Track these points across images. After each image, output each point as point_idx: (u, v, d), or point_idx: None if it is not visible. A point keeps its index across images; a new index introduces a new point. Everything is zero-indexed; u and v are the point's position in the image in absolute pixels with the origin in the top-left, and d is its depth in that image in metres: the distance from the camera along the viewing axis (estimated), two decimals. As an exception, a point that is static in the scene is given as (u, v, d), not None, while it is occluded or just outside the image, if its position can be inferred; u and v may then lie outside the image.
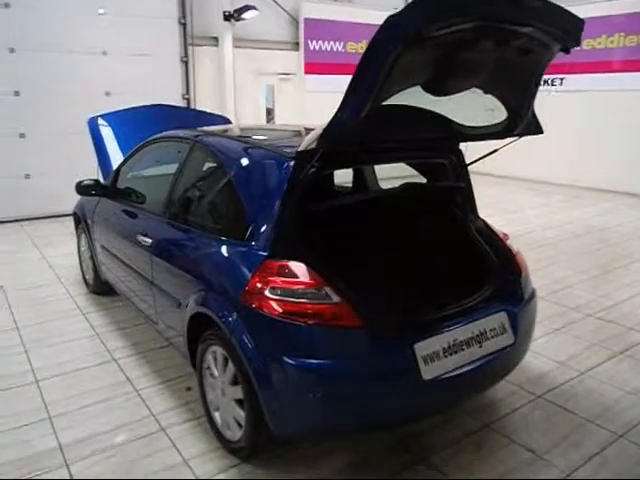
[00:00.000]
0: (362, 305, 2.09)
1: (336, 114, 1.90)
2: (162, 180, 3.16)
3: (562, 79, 9.55)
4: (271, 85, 8.91)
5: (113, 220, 3.59)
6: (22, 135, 6.90)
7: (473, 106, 2.48)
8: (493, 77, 2.21)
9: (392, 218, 2.91)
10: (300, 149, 2.17)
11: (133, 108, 4.61)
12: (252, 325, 2.12)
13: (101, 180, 4.19)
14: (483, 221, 2.86)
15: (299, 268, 2.11)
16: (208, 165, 2.84)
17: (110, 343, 3.50)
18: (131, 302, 3.50)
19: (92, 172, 6.89)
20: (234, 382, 2.27)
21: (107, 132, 4.37)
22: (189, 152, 2.87)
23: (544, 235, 6.19)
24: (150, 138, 3.42)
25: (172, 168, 3.06)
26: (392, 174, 3.63)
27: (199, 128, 3.27)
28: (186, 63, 7.79)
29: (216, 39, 8.10)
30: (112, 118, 4.49)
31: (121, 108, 4.62)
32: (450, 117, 2.42)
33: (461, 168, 2.82)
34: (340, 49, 9.30)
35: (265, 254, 2.17)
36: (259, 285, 2.11)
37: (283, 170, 2.23)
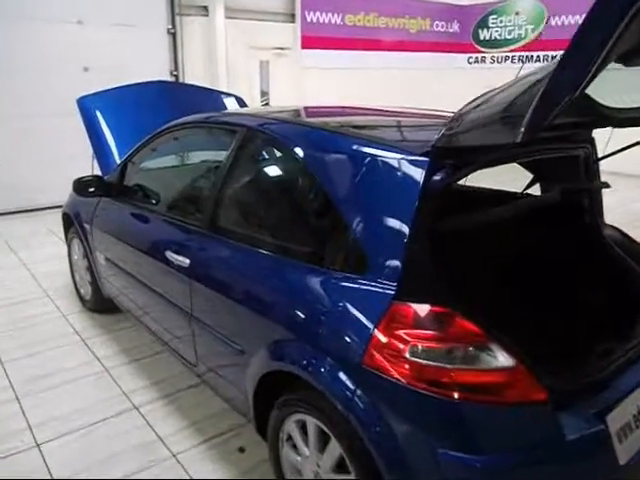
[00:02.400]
0: (540, 367, 1.46)
1: (549, 86, 1.22)
2: (197, 180, 2.45)
3: None
4: (265, 61, 8.10)
5: (124, 227, 2.85)
6: (-15, 117, 5.99)
7: (625, 84, 1.87)
8: None
9: (534, 234, 2.26)
10: (439, 143, 1.52)
11: (131, 86, 3.82)
12: (384, 399, 1.46)
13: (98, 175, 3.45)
14: (619, 231, 2.26)
15: (449, 315, 1.46)
16: (281, 164, 2.14)
17: (125, 382, 2.79)
18: (148, 328, 2.79)
19: (71, 161, 6.11)
20: (339, 468, 1.63)
21: (104, 115, 3.57)
22: (242, 144, 2.14)
23: None
24: (172, 124, 2.67)
25: (210, 164, 2.35)
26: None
27: (241, 110, 2.54)
28: (174, 35, 6.91)
29: (206, 8, 7.24)
30: (108, 98, 3.69)
31: (116, 86, 3.80)
32: (594, 96, 1.80)
33: (593, 162, 2.20)
34: (339, 22, 8.54)
35: (392, 293, 1.51)
36: (390, 341, 1.45)
37: (414, 173, 1.55)
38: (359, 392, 1.49)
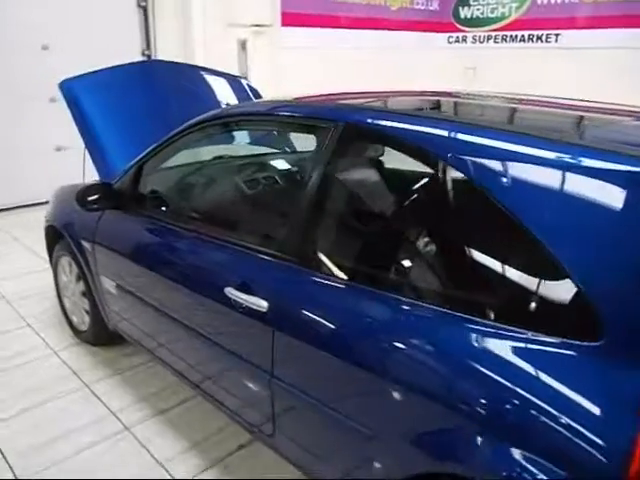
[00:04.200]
0: None
1: None
2: (265, 190, 1.86)
3: None
4: (243, 40, 7.38)
5: (147, 249, 2.23)
6: None
7: None
8: None
9: None
10: None
11: (123, 66, 3.13)
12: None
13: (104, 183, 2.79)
14: None
15: None
16: (427, 179, 1.52)
17: (158, 447, 2.19)
18: (177, 372, 2.21)
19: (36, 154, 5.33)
20: None
21: (94, 101, 2.87)
22: (341, 146, 1.57)
23: None
24: (212, 114, 2.05)
25: (280, 169, 1.77)
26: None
27: (307, 100, 1.95)
28: (144, 9, 6.10)
29: (179, -21, 6.45)
30: (96, 81, 2.98)
31: (104, 67, 3.08)
32: None
33: None
34: (320, -3, 7.91)
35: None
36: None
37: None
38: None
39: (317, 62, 7.87)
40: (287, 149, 2.47)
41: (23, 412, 2.40)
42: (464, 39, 9.90)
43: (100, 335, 2.83)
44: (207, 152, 2.39)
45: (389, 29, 9.17)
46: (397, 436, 1.33)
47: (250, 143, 2.38)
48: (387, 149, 1.54)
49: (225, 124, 2.04)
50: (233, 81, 3.66)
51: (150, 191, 2.28)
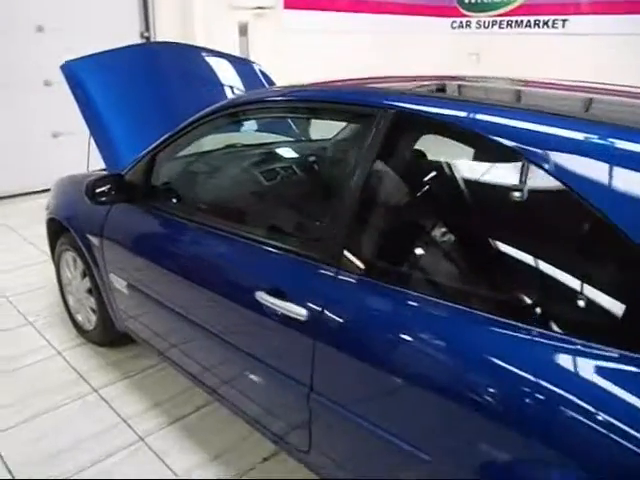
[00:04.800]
0: None
1: None
2: (296, 183, 1.68)
3: None
4: (244, 22, 7.13)
5: (164, 246, 2.05)
6: None
7: None
8: None
9: None
10: None
11: (131, 47, 2.93)
12: None
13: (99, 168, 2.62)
14: None
15: None
16: (498, 178, 1.36)
17: (175, 459, 2.03)
18: (195, 378, 2.05)
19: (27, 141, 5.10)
20: None
21: (103, 88, 2.67)
22: (391, 136, 1.39)
23: None
24: (231, 101, 1.87)
25: (314, 159, 1.59)
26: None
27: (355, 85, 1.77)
28: (143, -11, 5.86)
29: (178, -43, 6.19)
30: (101, 63, 2.77)
31: (108, 49, 2.87)
32: None
33: None
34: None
35: None
36: None
37: None
38: None
39: (319, 46, 7.67)
40: (317, 138, 2.29)
41: (28, 420, 2.23)
42: (468, 24, 9.69)
43: (107, 335, 2.66)
44: (229, 141, 2.20)
45: (392, 13, 8.95)
46: (460, 465, 1.19)
47: (274, 132, 2.20)
48: (441, 141, 1.35)
49: (249, 111, 1.86)
50: (244, 65, 3.46)
51: (166, 183, 2.10)
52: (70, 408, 2.32)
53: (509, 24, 9.12)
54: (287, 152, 2.15)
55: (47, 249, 3.03)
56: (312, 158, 1.92)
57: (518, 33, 8.94)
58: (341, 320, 1.40)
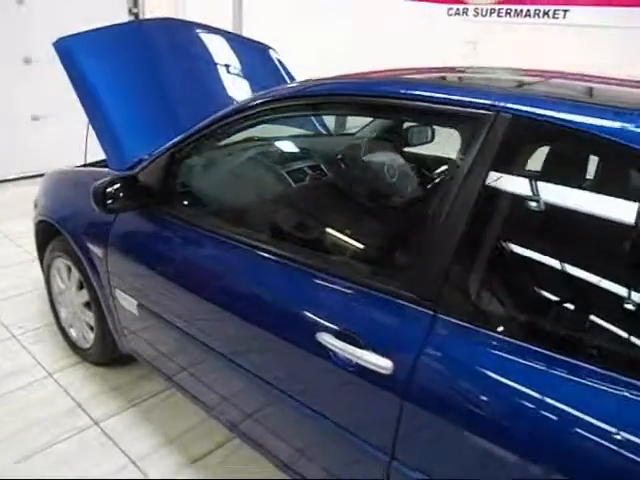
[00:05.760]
0: None
1: None
2: (366, 200, 1.38)
3: None
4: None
5: (188, 264, 1.71)
6: None
7: None
8: None
9: None
10: None
11: (130, 24, 2.57)
12: None
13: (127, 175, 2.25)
14: None
15: None
16: None
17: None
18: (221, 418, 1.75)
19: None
20: None
21: (103, 69, 2.28)
22: (509, 145, 1.10)
23: None
24: (277, 93, 1.54)
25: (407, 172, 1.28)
26: None
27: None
28: (131, -40, 5.38)
29: None
30: (99, 41, 2.37)
31: (103, 26, 2.46)
32: None
33: None
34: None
35: None
36: None
37: None
38: None
39: (317, 31, 7.29)
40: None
41: (16, 464, 1.89)
42: (465, 11, 9.37)
43: (106, 355, 2.33)
44: (276, 142, 1.87)
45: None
46: None
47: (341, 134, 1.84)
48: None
49: (301, 106, 1.52)
50: (260, 51, 3.09)
51: (189, 188, 1.76)
52: (67, 446, 1.98)
53: (508, 12, 8.85)
54: (352, 158, 1.75)
55: (29, 247, 2.66)
56: (388, 168, 1.59)
57: (517, 22, 8.69)
58: (446, 380, 1.11)
